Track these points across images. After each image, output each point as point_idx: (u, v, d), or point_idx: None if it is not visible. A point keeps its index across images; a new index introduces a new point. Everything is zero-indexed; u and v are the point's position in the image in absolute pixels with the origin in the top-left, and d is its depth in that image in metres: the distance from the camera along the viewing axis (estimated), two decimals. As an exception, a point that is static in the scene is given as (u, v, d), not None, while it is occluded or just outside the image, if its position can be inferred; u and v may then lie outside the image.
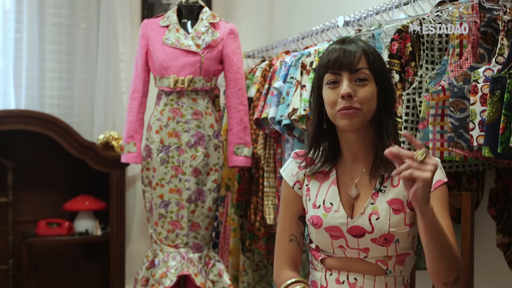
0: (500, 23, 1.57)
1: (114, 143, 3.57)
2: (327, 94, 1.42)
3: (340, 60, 1.40)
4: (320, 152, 1.50)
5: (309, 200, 1.50)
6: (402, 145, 1.75)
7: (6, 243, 3.39)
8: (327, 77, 1.42)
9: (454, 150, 1.61)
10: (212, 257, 2.75)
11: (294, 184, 1.53)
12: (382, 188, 1.42)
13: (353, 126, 1.39)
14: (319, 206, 1.47)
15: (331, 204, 1.45)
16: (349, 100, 1.38)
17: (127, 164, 3.52)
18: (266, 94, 2.64)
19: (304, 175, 1.52)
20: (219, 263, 2.76)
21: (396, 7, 2.08)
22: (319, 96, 1.46)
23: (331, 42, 2.27)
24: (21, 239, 3.45)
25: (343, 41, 1.45)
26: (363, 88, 1.39)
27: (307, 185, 1.52)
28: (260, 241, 2.82)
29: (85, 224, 3.52)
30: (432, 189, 1.38)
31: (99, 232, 3.53)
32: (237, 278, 3.08)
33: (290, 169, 1.55)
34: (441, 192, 1.40)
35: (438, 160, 1.43)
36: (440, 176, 1.42)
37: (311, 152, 1.51)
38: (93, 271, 3.74)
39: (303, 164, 1.52)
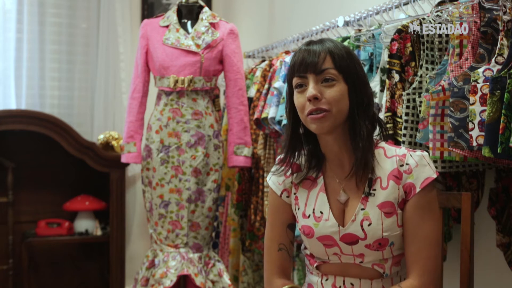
0: (500, 23, 1.57)
1: (114, 143, 3.57)
2: (297, 99, 1.39)
3: (305, 62, 1.36)
4: (304, 158, 1.47)
5: (299, 209, 1.47)
6: (402, 145, 1.75)
7: (6, 243, 3.39)
8: (295, 81, 1.40)
9: (454, 150, 1.61)
10: (212, 257, 2.75)
11: (282, 193, 1.50)
12: (371, 191, 1.39)
13: (324, 129, 1.36)
14: (309, 215, 1.44)
15: (321, 212, 1.42)
16: (316, 102, 1.34)
17: (127, 164, 3.52)
18: (266, 94, 2.64)
19: (291, 183, 1.50)
20: (219, 263, 2.76)
21: (396, 7, 2.08)
22: (292, 102, 1.42)
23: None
24: (21, 239, 3.45)
25: (309, 42, 1.42)
26: (331, 88, 1.35)
27: (295, 193, 1.49)
28: (260, 241, 2.82)
29: (85, 224, 3.52)
30: (419, 188, 1.37)
31: (99, 232, 3.53)
32: (237, 278, 3.08)
33: (276, 177, 1.52)
34: (426, 193, 1.37)
35: (426, 154, 1.40)
36: (428, 172, 1.38)
37: (287, 159, 1.47)
38: (93, 271, 3.74)
39: (289, 172, 1.49)
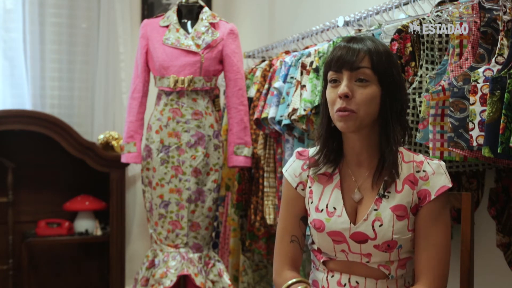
0: (500, 23, 1.57)
1: (114, 143, 3.57)
2: (329, 93, 1.40)
3: (343, 58, 1.36)
4: (323, 153, 1.47)
5: (312, 203, 1.48)
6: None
7: (6, 243, 3.40)
8: (330, 75, 1.40)
9: (454, 150, 1.61)
10: (212, 257, 2.75)
11: (297, 185, 1.50)
12: (386, 194, 1.40)
13: (349, 129, 1.37)
14: (322, 210, 1.44)
15: (334, 208, 1.43)
16: (346, 100, 1.35)
17: (127, 164, 3.52)
18: (266, 94, 2.64)
19: (308, 176, 1.50)
20: (219, 263, 2.76)
21: (396, 7, 2.08)
22: (326, 96, 1.43)
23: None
24: (21, 239, 3.45)
25: (350, 39, 1.42)
26: (363, 89, 1.35)
27: (310, 187, 1.49)
28: (260, 241, 2.82)
29: (85, 224, 3.52)
30: (434, 195, 1.38)
31: (99, 232, 3.53)
32: (237, 278, 3.08)
33: (293, 169, 1.52)
34: (440, 202, 1.39)
35: (443, 163, 1.41)
36: (444, 181, 1.40)
37: (321, 151, 1.47)
38: (93, 271, 3.74)
39: (307, 165, 1.49)
